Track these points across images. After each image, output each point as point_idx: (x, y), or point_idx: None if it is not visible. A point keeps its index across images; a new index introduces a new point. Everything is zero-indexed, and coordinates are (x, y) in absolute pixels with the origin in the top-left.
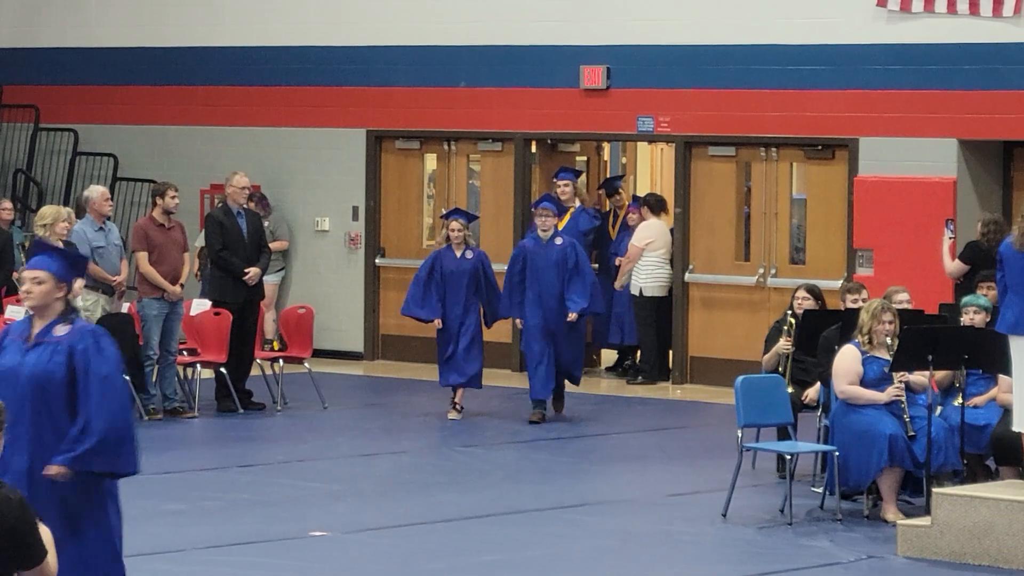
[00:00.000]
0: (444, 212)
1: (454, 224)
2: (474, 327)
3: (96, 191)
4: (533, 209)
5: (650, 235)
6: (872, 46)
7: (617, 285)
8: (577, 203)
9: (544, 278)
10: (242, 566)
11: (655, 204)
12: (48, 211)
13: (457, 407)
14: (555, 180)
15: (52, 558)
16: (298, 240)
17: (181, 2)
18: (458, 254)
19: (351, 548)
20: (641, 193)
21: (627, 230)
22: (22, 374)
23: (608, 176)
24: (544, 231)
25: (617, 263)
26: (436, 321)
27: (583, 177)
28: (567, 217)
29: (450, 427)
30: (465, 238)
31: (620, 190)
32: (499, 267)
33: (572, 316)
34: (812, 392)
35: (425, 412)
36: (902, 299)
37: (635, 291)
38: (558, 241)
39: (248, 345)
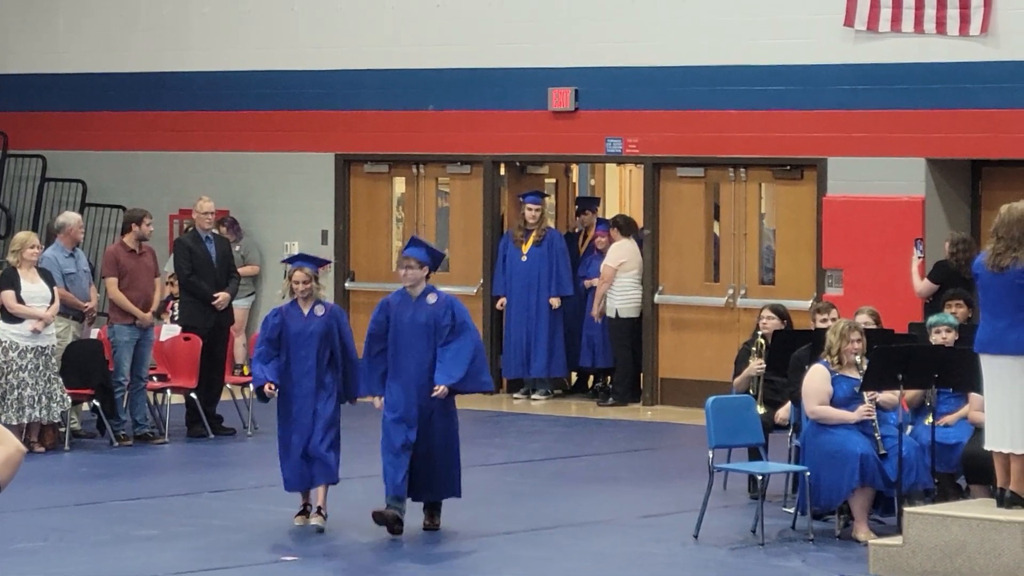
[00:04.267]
0: (287, 257)
1: (298, 275)
2: (332, 408)
3: (73, 218)
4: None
5: (622, 256)
6: (840, 66)
7: (595, 312)
8: (546, 225)
9: (410, 345)
10: None
11: (625, 226)
12: (19, 237)
13: (322, 512)
14: (524, 203)
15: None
16: (267, 265)
17: (149, 28)
18: (305, 310)
19: (322, 573)
20: (610, 215)
21: (594, 253)
22: None
23: (582, 196)
24: (411, 286)
25: (587, 285)
26: (268, 386)
27: (550, 199)
28: (531, 240)
29: None
30: (313, 291)
31: (587, 211)
32: (467, 290)
33: (439, 391)
34: (783, 412)
35: None
36: (862, 320)
37: (611, 313)
38: (431, 299)
39: (218, 370)
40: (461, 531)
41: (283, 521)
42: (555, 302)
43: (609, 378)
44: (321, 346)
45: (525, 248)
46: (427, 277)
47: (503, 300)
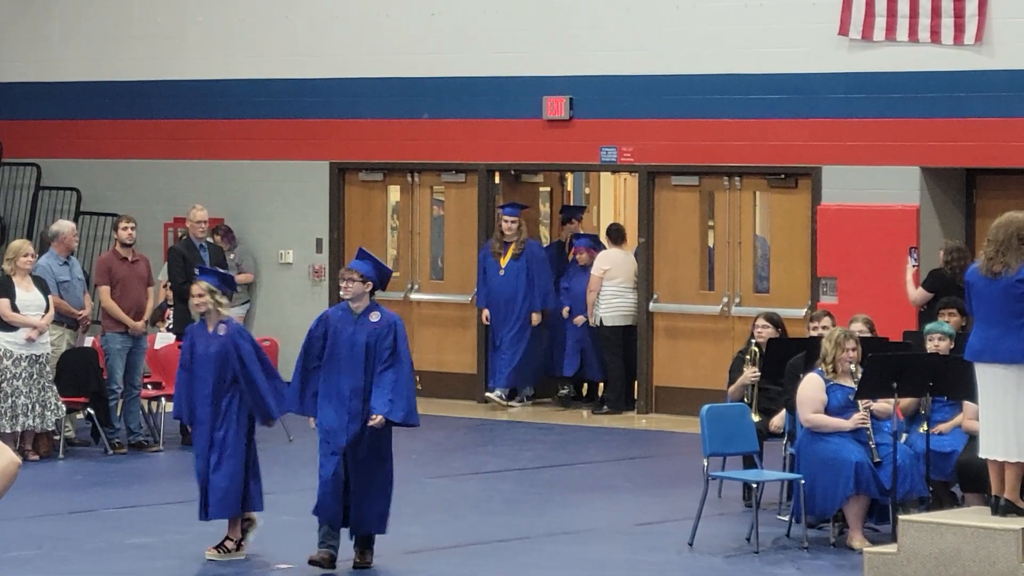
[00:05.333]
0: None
1: (193, 288)
2: (231, 436)
3: (66, 226)
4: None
5: (605, 264)
6: (834, 75)
7: (591, 320)
8: (525, 237)
9: (346, 364)
10: None
11: (615, 234)
12: (13, 245)
13: (238, 540)
14: (501, 215)
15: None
16: (262, 273)
17: (143, 36)
18: (210, 328)
19: None
20: (604, 224)
21: (577, 264)
22: None
23: (566, 205)
24: (353, 301)
25: (565, 314)
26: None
27: (545, 207)
28: (510, 252)
29: (416, 459)
30: (210, 307)
31: (573, 220)
32: (462, 298)
33: (376, 420)
34: (778, 420)
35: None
36: (857, 329)
37: (595, 322)
38: (373, 317)
39: None
40: (457, 540)
41: (276, 530)
42: (536, 318)
43: (602, 386)
44: (219, 369)
45: (503, 261)
46: (372, 293)
47: (487, 312)
